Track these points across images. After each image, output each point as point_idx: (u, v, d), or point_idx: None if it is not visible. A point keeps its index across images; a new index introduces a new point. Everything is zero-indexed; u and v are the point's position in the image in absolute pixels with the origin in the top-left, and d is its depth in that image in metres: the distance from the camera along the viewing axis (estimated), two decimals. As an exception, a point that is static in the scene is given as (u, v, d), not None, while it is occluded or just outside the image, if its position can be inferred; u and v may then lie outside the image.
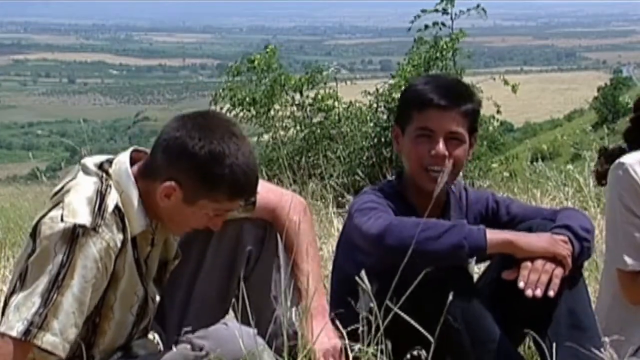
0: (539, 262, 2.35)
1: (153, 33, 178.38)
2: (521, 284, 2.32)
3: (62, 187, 2.23)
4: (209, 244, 2.51)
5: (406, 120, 2.58)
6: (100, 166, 2.25)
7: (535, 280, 2.32)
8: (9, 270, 4.11)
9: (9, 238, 4.98)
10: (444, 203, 2.64)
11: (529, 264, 2.35)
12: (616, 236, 2.60)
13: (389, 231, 2.34)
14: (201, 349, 2.26)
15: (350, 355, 2.30)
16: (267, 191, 2.51)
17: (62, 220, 2.12)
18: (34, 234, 2.16)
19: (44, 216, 2.16)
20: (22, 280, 2.13)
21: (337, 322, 2.36)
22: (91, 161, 2.26)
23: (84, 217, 2.13)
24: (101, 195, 2.19)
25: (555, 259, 2.36)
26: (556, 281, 2.33)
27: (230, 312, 2.55)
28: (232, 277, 2.49)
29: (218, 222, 2.29)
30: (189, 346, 2.30)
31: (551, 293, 2.32)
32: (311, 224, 2.55)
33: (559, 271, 2.35)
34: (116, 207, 2.19)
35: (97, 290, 2.18)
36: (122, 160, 2.27)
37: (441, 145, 2.51)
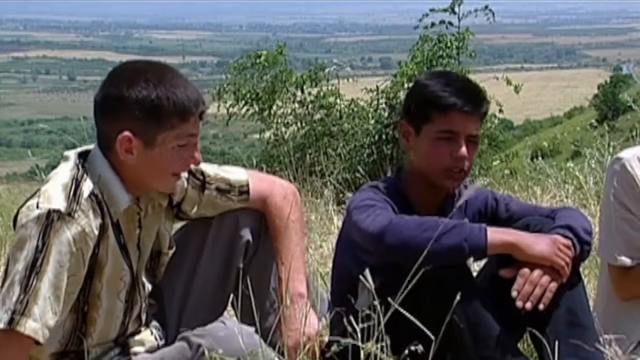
0: (536, 273, 2.35)
1: (153, 30, 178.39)
2: (514, 293, 2.34)
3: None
4: (207, 235, 2.50)
5: (423, 120, 2.55)
6: (80, 155, 2.28)
7: (528, 293, 2.33)
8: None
9: (9, 235, 4.96)
10: (442, 201, 2.64)
11: (527, 271, 2.35)
12: (609, 231, 2.61)
13: (389, 230, 2.33)
14: (199, 347, 2.26)
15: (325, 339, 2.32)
16: (260, 180, 2.52)
17: (37, 207, 2.14)
18: (14, 224, 2.18)
19: (22, 206, 2.19)
20: (5, 272, 2.15)
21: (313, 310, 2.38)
22: (73, 151, 2.29)
23: (58, 203, 2.15)
24: (76, 182, 2.20)
25: (553, 267, 2.37)
26: (549, 295, 2.35)
27: (229, 306, 2.55)
28: (230, 268, 2.49)
29: (194, 155, 2.27)
30: (186, 344, 2.29)
31: (541, 307, 2.34)
32: (300, 213, 2.54)
33: (553, 285, 2.35)
34: (92, 192, 2.20)
35: (75, 276, 2.17)
36: (95, 146, 2.29)
37: (464, 148, 2.52)
